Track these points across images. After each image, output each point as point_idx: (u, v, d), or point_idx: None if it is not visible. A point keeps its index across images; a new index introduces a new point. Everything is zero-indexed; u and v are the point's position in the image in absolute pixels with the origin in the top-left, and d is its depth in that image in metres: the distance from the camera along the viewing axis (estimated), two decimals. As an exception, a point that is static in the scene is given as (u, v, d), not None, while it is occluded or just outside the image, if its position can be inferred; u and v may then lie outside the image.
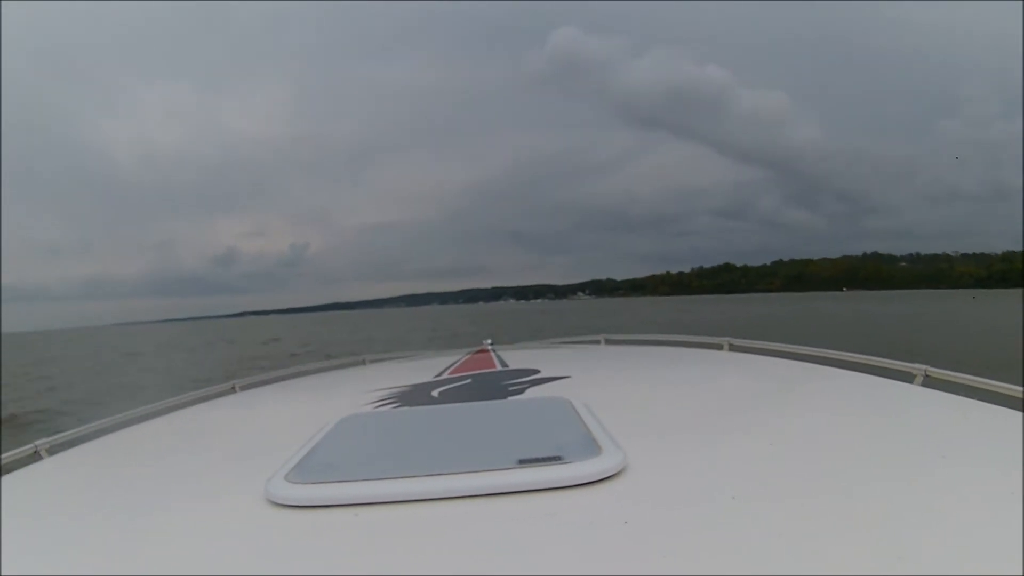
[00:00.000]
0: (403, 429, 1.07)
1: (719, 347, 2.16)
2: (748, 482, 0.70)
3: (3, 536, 0.71)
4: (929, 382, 1.32)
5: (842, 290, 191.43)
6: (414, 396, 1.52)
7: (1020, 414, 0.91)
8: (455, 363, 2.29)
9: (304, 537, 0.64)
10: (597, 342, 3.05)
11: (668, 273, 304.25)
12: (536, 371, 1.75)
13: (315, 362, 2.86)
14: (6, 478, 1.02)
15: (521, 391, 1.45)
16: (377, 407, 1.38)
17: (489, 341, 3.09)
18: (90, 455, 1.20)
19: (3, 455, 1.22)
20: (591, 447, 0.80)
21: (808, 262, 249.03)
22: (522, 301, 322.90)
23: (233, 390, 2.10)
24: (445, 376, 1.90)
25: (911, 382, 1.31)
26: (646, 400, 1.30)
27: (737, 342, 2.13)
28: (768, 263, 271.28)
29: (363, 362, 2.98)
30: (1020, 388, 1.13)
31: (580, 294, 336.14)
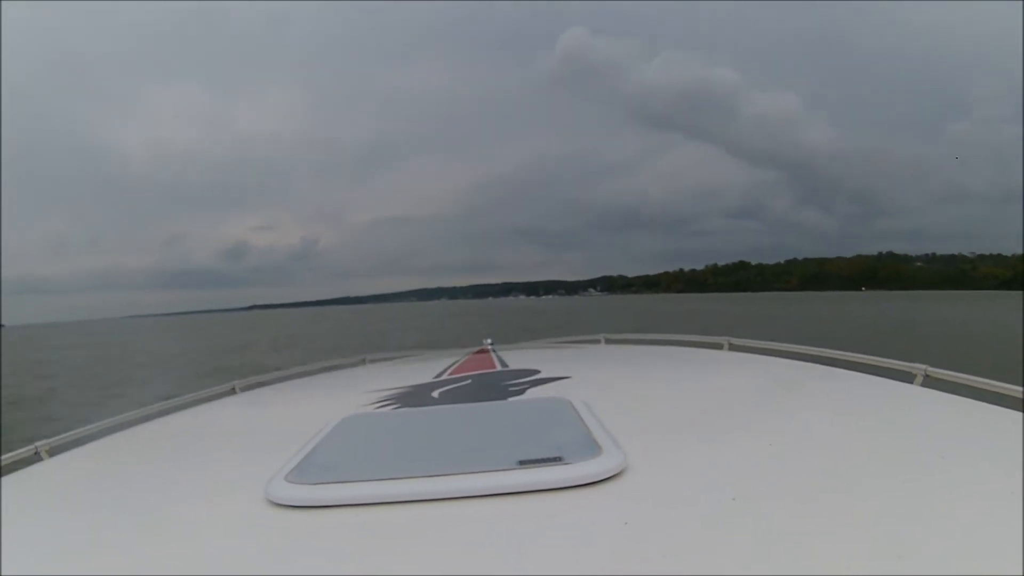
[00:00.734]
0: (403, 430, 1.07)
1: (719, 347, 2.16)
2: (748, 482, 0.70)
3: (3, 536, 0.71)
4: (929, 382, 1.32)
5: (861, 290, 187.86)
6: (414, 396, 1.52)
7: (1020, 414, 0.91)
8: (455, 363, 2.30)
9: (304, 538, 0.64)
10: (597, 342, 3.04)
11: (682, 270, 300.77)
12: (536, 371, 1.75)
13: (315, 362, 2.92)
14: (6, 479, 1.03)
15: (521, 391, 1.45)
16: (377, 407, 1.38)
17: (489, 341, 3.08)
18: (90, 456, 1.20)
19: (3, 456, 1.22)
20: (591, 447, 0.80)
21: (825, 261, 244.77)
22: (532, 297, 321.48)
23: (233, 390, 2.11)
24: (445, 376, 1.91)
25: (911, 382, 1.31)
26: (646, 400, 1.30)
27: (737, 342, 2.13)
28: (782, 262, 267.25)
29: (363, 362, 2.99)
30: (1020, 388, 1.13)
31: (591, 290, 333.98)
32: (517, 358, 2.30)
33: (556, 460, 0.75)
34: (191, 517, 0.75)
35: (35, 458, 1.27)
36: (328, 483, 0.75)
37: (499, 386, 1.59)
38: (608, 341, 3.02)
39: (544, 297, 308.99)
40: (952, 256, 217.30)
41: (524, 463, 0.75)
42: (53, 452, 1.30)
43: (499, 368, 2.03)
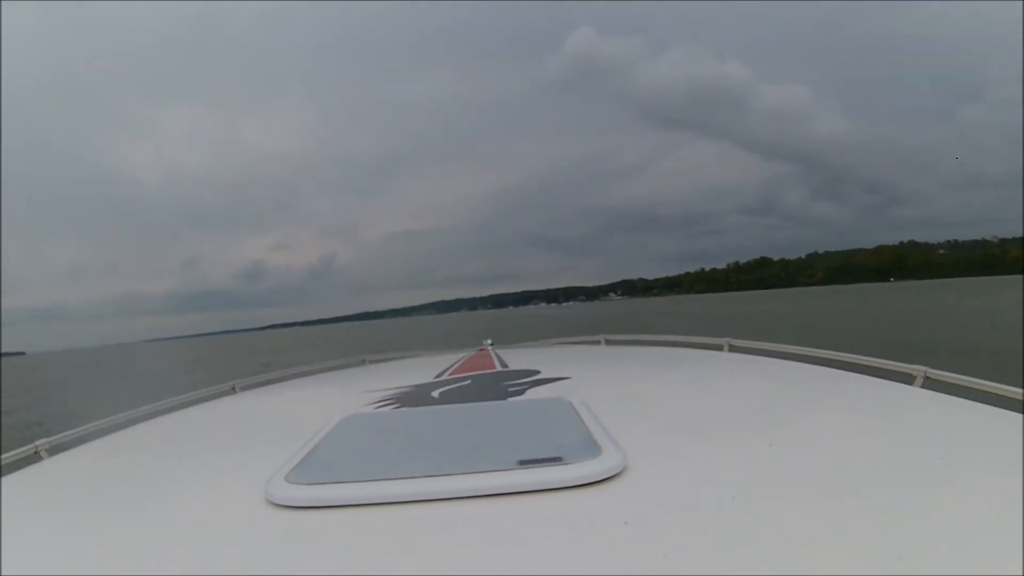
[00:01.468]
0: (403, 430, 1.07)
1: (719, 348, 2.17)
2: (748, 483, 0.70)
3: (3, 536, 0.71)
4: (929, 384, 1.32)
5: (890, 280, 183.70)
6: (414, 396, 1.53)
7: (1020, 416, 0.91)
8: (455, 363, 2.31)
9: (304, 538, 0.64)
10: (597, 342, 3.07)
11: (703, 270, 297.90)
12: (536, 372, 1.77)
13: (315, 362, 2.97)
14: (6, 478, 1.03)
15: (521, 392, 1.46)
16: (377, 407, 1.39)
17: (489, 341, 3.13)
18: (90, 455, 1.20)
19: (3, 455, 1.22)
20: (591, 448, 0.81)
21: (851, 253, 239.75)
22: (553, 304, 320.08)
23: (233, 390, 2.13)
24: (445, 377, 1.92)
25: (911, 384, 1.32)
26: (646, 400, 1.30)
27: (737, 343, 2.14)
28: (803, 256, 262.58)
29: (363, 362, 3.03)
30: (1020, 390, 1.14)
31: (612, 295, 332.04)
32: (517, 358, 2.31)
33: (556, 460, 0.76)
34: (191, 517, 0.75)
35: (35, 457, 1.27)
36: (328, 483, 0.75)
37: (499, 386, 1.60)
38: (608, 342, 3.04)
39: (565, 304, 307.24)
40: (975, 242, 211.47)
41: (524, 463, 0.76)
42: (53, 451, 1.30)
43: (499, 368, 2.04)
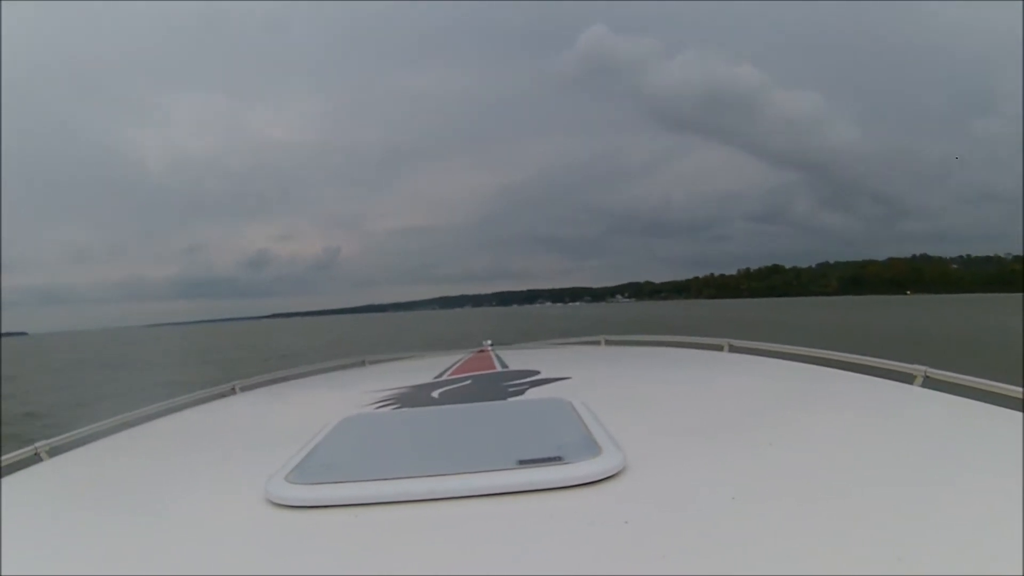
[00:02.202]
0: (404, 430, 1.08)
1: (719, 348, 2.18)
2: (748, 483, 0.71)
3: (3, 537, 0.72)
4: (929, 383, 1.33)
5: (906, 293, 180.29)
6: (414, 397, 1.54)
7: (1020, 415, 0.92)
8: (455, 364, 2.33)
9: (304, 537, 0.64)
10: (597, 343, 3.09)
11: (712, 275, 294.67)
12: (536, 372, 1.78)
13: (315, 363, 2.98)
14: (6, 480, 1.03)
15: (521, 392, 1.46)
16: (378, 408, 1.39)
17: (489, 342, 3.15)
18: (90, 456, 1.21)
19: (3, 456, 1.23)
20: (591, 447, 0.81)
21: (865, 263, 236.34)
22: (559, 304, 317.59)
23: (233, 391, 2.14)
24: (445, 377, 1.94)
25: (911, 383, 1.33)
26: (646, 401, 1.30)
27: (737, 343, 2.15)
28: (813, 266, 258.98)
29: (363, 363, 3.04)
30: (1020, 389, 1.15)
31: (618, 297, 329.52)
32: (517, 359, 2.33)
33: (556, 460, 0.76)
34: (191, 517, 0.75)
35: (35, 459, 1.28)
36: (328, 483, 0.76)
37: (499, 386, 1.60)
38: (608, 342, 3.06)
39: (571, 304, 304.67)
40: (988, 258, 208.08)
41: (524, 463, 0.76)
42: (53, 452, 1.31)
43: (499, 369, 2.06)
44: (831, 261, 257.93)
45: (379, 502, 0.70)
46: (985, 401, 1.05)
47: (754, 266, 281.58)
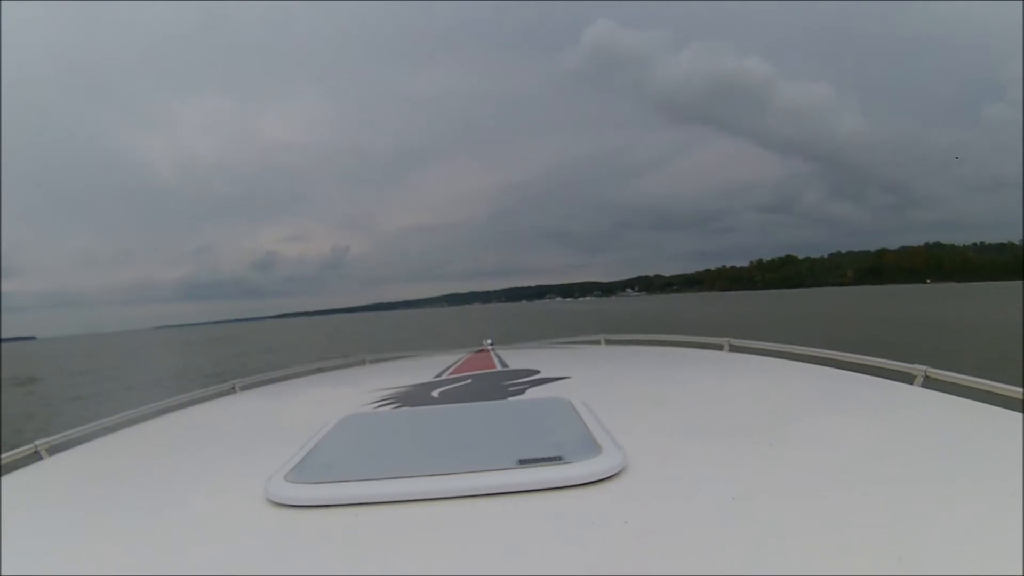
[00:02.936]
0: (403, 429, 1.08)
1: (719, 347, 2.18)
2: (748, 482, 0.71)
3: (3, 536, 0.72)
4: (929, 383, 1.33)
5: (926, 282, 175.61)
6: (414, 396, 1.54)
7: (1020, 415, 0.92)
8: (455, 363, 2.35)
9: (304, 537, 0.64)
10: (597, 342, 3.10)
11: (725, 267, 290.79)
12: (536, 371, 1.79)
13: (315, 362, 3.00)
14: (6, 478, 1.04)
15: (521, 391, 1.47)
16: (377, 407, 1.40)
17: (489, 341, 3.17)
18: (90, 455, 1.21)
19: (3, 455, 1.23)
20: (591, 447, 0.82)
21: (883, 252, 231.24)
22: (569, 299, 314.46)
23: (233, 390, 2.15)
24: (445, 376, 1.95)
25: (911, 383, 1.33)
26: (646, 400, 1.31)
27: (737, 342, 2.15)
28: (826, 256, 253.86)
29: (363, 362, 3.07)
30: (1020, 389, 1.15)
31: (629, 291, 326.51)
32: (517, 358, 2.33)
33: (556, 459, 0.77)
34: (191, 516, 0.76)
35: (35, 457, 1.28)
36: (328, 482, 0.76)
37: (499, 386, 1.61)
38: (608, 341, 3.07)
39: (581, 299, 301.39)
40: (1002, 245, 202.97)
41: (524, 462, 0.76)
42: (53, 451, 1.32)
43: (499, 368, 2.07)
44: (843, 251, 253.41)
45: (379, 501, 0.71)
46: (985, 401, 1.06)
47: (765, 257, 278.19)
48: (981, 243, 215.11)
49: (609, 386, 1.56)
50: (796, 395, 1.30)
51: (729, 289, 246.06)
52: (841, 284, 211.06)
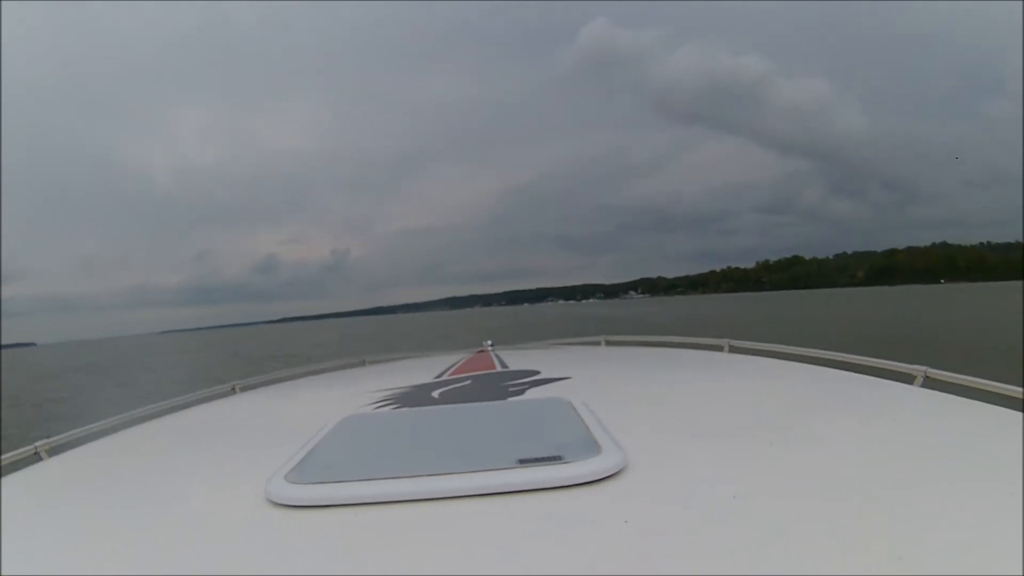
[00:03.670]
0: (403, 429, 1.09)
1: (719, 348, 2.20)
2: (748, 482, 0.71)
3: (3, 536, 0.72)
4: (929, 383, 1.33)
5: (940, 282, 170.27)
6: (414, 397, 1.56)
7: (1020, 415, 0.93)
8: (455, 364, 2.37)
9: (304, 537, 0.65)
10: (597, 343, 3.13)
11: (730, 268, 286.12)
12: (536, 372, 1.80)
13: (315, 363, 3.04)
14: (6, 479, 1.04)
15: (521, 392, 1.49)
16: (377, 408, 1.41)
17: (489, 342, 3.19)
18: (90, 456, 1.22)
19: (3, 456, 1.24)
20: (591, 447, 0.82)
21: (893, 252, 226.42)
22: (571, 302, 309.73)
23: (233, 390, 2.18)
24: (445, 377, 1.96)
25: (911, 383, 1.34)
26: (646, 400, 1.32)
27: (737, 343, 2.17)
28: (830, 256, 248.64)
29: (363, 363, 3.10)
30: (1020, 389, 1.15)
31: (632, 293, 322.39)
32: (517, 359, 2.35)
33: (556, 459, 0.77)
34: (191, 516, 0.76)
35: (35, 458, 1.29)
36: (328, 483, 0.76)
37: (499, 386, 1.63)
38: (608, 342, 3.10)
39: (584, 302, 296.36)
40: (1009, 244, 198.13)
41: (524, 462, 0.77)
42: (53, 452, 1.32)
43: (499, 369, 2.09)
44: (846, 251, 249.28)
45: (379, 501, 0.71)
46: (985, 401, 1.06)
47: (766, 257, 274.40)
48: (988, 242, 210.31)
49: (609, 386, 1.57)
50: (796, 395, 1.30)
51: (735, 291, 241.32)
52: (851, 285, 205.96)
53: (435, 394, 1.57)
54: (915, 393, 1.22)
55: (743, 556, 0.54)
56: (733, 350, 2.14)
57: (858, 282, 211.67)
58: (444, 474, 0.75)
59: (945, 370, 1.36)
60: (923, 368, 1.40)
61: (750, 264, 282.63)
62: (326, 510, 0.71)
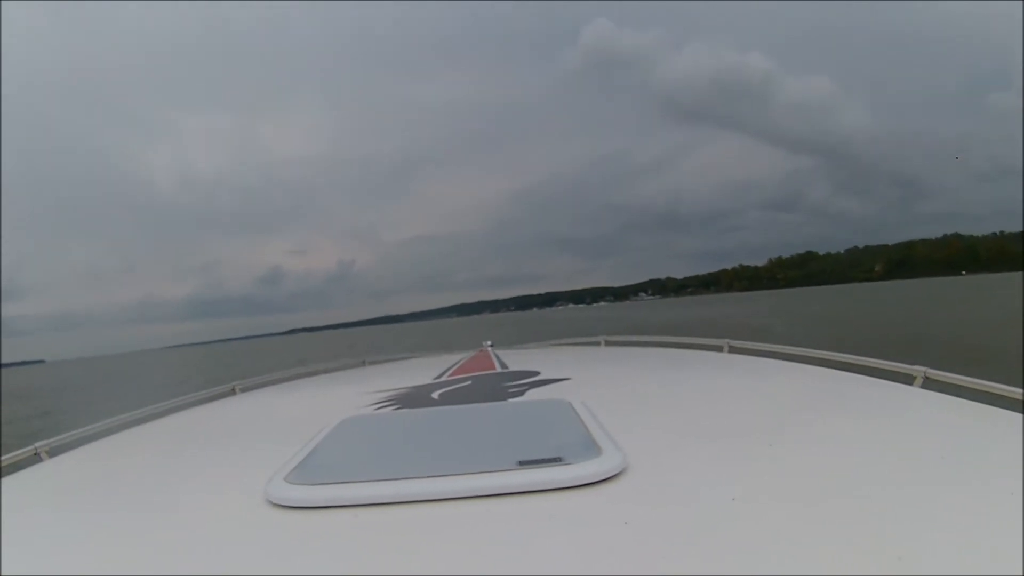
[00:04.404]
0: (403, 431, 1.09)
1: (719, 348, 2.22)
2: (748, 483, 0.72)
3: (3, 537, 0.73)
4: (929, 384, 1.34)
5: (961, 274, 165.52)
6: (414, 398, 1.57)
7: (1020, 416, 0.93)
8: (455, 365, 2.39)
9: (304, 538, 0.65)
10: (597, 343, 3.16)
11: (742, 266, 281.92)
12: (536, 373, 1.81)
13: (315, 364, 3.08)
14: (6, 479, 1.05)
15: (521, 393, 1.50)
16: (377, 409, 1.43)
17: (489, 343, 3.25)
18: (90, 456, 1.23)
19: (3, 456, 1.25)
20: (591, 448, 0.83)
21: (911, 244, 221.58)
22: (581, 305, 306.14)
23: (233, 391, 2.21)
24: (445, 378, 1.98)
25: (911, 384, 1.34)
26: (646, 401, 1.33)
27: (737, 344, 2.19)
28: (842, 251, 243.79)
29: (363, 364, 3.15)
30: (1020, 390, 1.16)
31: (642, 295, 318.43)
32: (517, 360, 2.38)
33: (556, 460, 0.77)
34: (191, 517, 0.77)
35: (35, 459, 1.29)
36: (328, 484, 0.77)
37: (499, 387, 1.64)
38: (608, 343, 3.13)
39: (594, 305, 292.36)
40: (1021, 234, 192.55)
41: (524, 463, 0.77)
42: (53, 452, 1.33)
43: (499, 370, 2.10)
44: (856, 246, 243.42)
45: (379, 503, 0.71)
46: (985, 402, 1.07)
47: (775, 255, 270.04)
48: (1001, 232, 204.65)
49: (609, 387, 1.58)
50: (796, 396, 1.31)
51: (748, 289, 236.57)
52: (868, 279, 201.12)
53: (435, 395, 1.58)
54: (915, 394, 1.22)
55: (744, 557, 0.54)
56: (733, 350, 2.16)
57: (875, 276, 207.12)
58: (444, 475, 0.75)
59: (945, 371, 1.37)
60: (923, 369, 1.41)
61: (759, 262, 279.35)
62: (326, 511, 0.71)
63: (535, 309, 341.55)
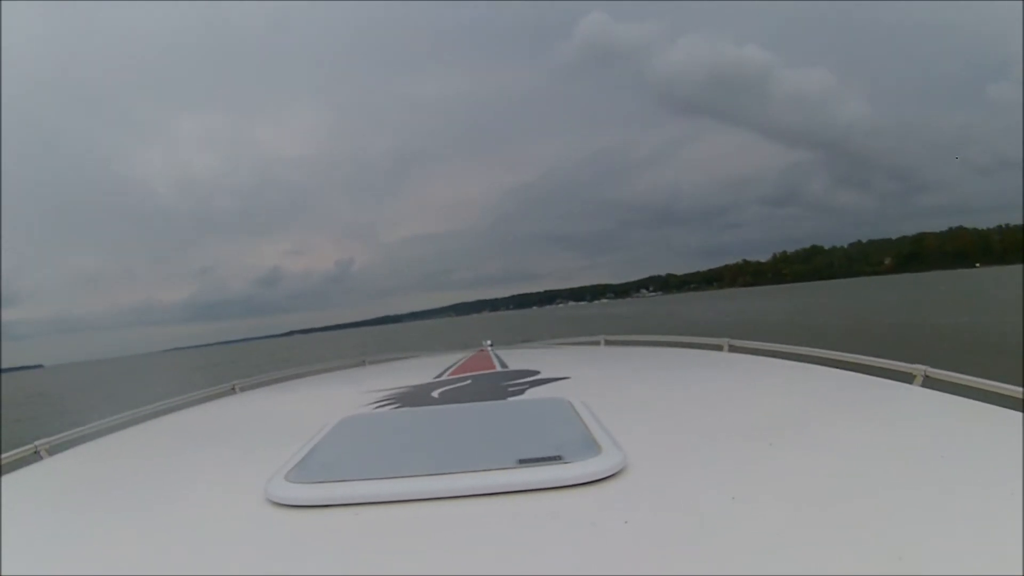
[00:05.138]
0: (403, 429, 1.10)
1: (719, 348, 2.23)
2: (748, 482, 0.72)
3: (3, 536, 0.73)
4: (929, 383, 1.34)
5: (975, 266, 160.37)
6: (414, 397, 1.58)
7: (1020, 415, 0.93)
8: (455, 364, 2.41)
9: (304, 537, 0.65)
10: (597, 343, 3.18)
11: (745, 261, 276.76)
12: (536, 372, 1.83)
13: (315, 363, 3.13)
14: (6, 478, 1.05)
15: (521, 392, 1.51)
16: (377, 408, 1.44)
17: (489, 342, 3.27)
18: (90, 455, 1.23)
19: (3, 455, 1.25)
20: (591, 447, 0.83)
21: (922, 236, 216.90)
22: (581, 303, 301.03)
23: (233, 390, 2.23)
24: (445, 377, 2.00)
25: (911, 383, 1.35)
26: (646, 400, 1.33)
27: (737, 343, 2.20)
28: (846, 245, 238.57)
29: (363, 363, 3.17)
30: (1020, 389, 1.16)
31: (643, 291, 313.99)
32: (517, 359, 2.40)
33: (556, 459, 0.78)
34: (191, 516, 0.77)
35: (35, 457, 1.30)
36: (328, 482, 0.77)
37: (499, 386, 1.65)
38: (608, 342, 3.15)
39: (595, 303, 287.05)
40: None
41: (524, 462, 0.77)
42: (53, 451, 1.34)
43: (499, 369, 2.12)
44: (859, 240, 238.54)
45: (379, 501, 0.72)
46: (985, 401, 1.07)
47: (778, 249, 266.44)
48: (1007, 225, 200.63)
49: (609, 386, 1.59)
50: (796, 395, 1.31)
51: (753, 284, 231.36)
52: (877, 273, 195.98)
53: (435, 394, 1.59)
54: (915, 393, 1.22)
55: (743, 556, 0.54)
56: (733, 350, 2.17)
57: (885, 270, 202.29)
58: (444, 474, 0.76)
59: (945, 370, 1.37)
60: (923, 368, 1.41)
61: (760, 257, 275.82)
62: (326, 510, 0.71)
63: (535, 307, 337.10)
